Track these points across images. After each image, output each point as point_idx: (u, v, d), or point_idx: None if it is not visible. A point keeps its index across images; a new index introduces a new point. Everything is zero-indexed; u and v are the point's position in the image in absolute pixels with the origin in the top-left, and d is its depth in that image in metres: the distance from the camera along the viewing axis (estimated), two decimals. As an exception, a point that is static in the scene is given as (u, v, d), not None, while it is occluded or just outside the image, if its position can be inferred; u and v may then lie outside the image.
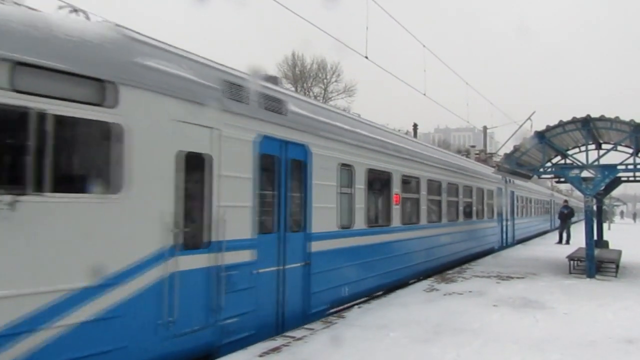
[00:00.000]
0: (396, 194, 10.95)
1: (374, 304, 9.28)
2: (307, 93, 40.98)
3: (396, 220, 11.02)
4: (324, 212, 8.23)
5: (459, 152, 27.52)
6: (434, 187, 13.55)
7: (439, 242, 13.79)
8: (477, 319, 8.08)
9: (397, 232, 11.06)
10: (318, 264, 8.00)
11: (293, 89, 39.03)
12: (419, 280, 12.32)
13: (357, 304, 9.23)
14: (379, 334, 7.10)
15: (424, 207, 12.73)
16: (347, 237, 8.94)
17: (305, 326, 7.50)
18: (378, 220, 10.52)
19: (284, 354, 6.16)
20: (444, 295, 10.32)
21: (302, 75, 43.14)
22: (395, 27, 14.90)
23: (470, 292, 10.68)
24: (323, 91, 43.84)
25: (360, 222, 9.39)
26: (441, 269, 13.97)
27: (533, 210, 30.97)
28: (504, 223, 21.86)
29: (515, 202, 24.47)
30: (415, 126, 31.21)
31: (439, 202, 13.97)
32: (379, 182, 10.44)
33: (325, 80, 44.12)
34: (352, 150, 9.19)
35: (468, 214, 16.67)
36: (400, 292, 10.49)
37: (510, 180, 21.91)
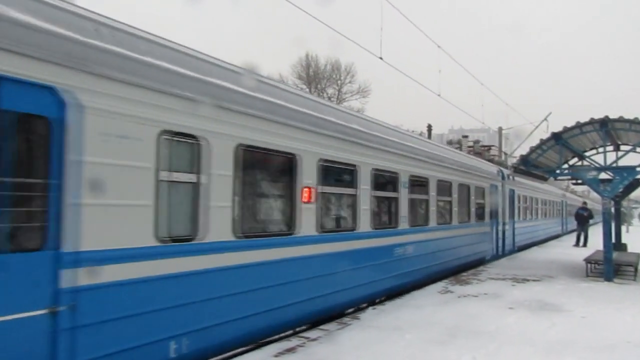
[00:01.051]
0: (307, 187, 7.33)
1: (389, 306, 9.27)
2: (321, 94, 41.03)
3: (306, 228, 7.30)
4: None
5: (450, 143, 24.75)
6: (386, 180, 9.94)
7: (394, 256, 10.01)
8: (492, 322, 8.03)
9: (308, 245, 7.32)
10: None
11: (307, 89, 39.12)
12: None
13: (372, 305, 9.23)
14: (394, 336, 7.09)
15: (364, 208, 8.85)
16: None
17: (320, 327, 7.53)
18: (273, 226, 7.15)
19: (300, 355, 6.20)
20: (459, 297, 10.27)
21: (315, 76, 43.22)
22: (410, 28, 14.87)
23: (485, 294, 10.61)
24: (337, 92, 43.89)
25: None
26: (395, 293, 10.21)
27: (540, 211, 27.51)
28: (500, 227, 18.39)
29: (517, 202, 21.22)
30: (429, 127, 31.10)
31: (393, 201, 10.22)
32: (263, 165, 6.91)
33: (339, 81, 44.17)
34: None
35: (444, 217, 13.03)
36: (415, 294, 10.46)
37: (508, 177, 19.34)
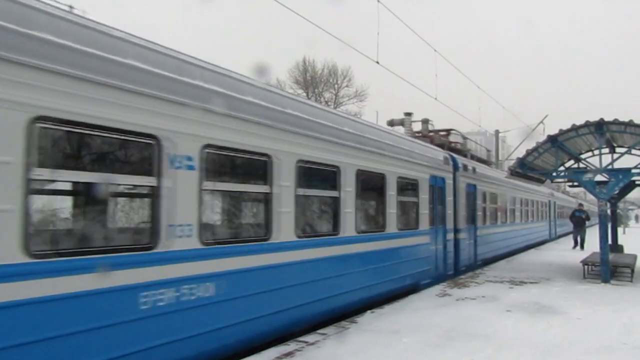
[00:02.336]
0: None
1: (387, 309, 9.27)
2: (318, 98, 41.09)
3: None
4: None
5: (391, 124, 17.40)
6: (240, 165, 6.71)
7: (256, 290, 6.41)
8: (490, 325, 8.05)
9: None
10: None
11: (304, 94, 39.20)
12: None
13: (370, 309, 9.23)
14: (391, 339, 7.10)
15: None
16: None
17: (318, 331, 7.53)
18: None
19: (298, 359, 6.20)
20: (457, 300, 10.28)
21: (313, 80, 43.31)
22: (407, 32, 14.93)
23: (483, 297, 10.63)
24: (334, 96, 43.97)
25: None
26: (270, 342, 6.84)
27: (519, 213, 22.53)
28: (450, 236, 13.67)
29: (480, 201, 16.40)
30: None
31: (260, 200, 6.87)
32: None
33: (336, 86, 44.24)
34: None
35: (320, 226, 8.43)
36: (412, 297, 10.47)
37: (466, 167, 15.01)
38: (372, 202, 10.10)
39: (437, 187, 12.70)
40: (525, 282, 12.77)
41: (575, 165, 14.70)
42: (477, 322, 8.20)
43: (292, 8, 10.03)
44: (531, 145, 14.51)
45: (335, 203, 8.38)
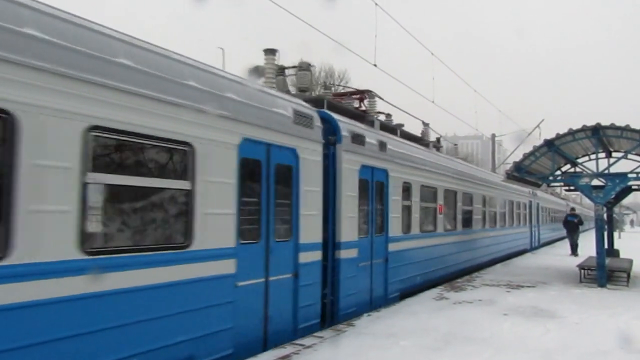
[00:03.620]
0: None
1: (384, 312, 9.25)
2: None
3: None
4: None
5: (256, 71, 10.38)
6: None
7: None
8: (487, 328, 8.03)
9: None
10: None
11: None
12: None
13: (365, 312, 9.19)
14: (388, 343, 7.08)
15: None
16: None
17: (315, 334, 7.50)
18: None
19: (294, 362, 6.17)
20: (454, 303, 10.27)
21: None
22: (404, 35, 14.98)
23: (480, 300, 10.62)
24: (331, 99, 43.92)
25: None
26: None
27: (478, 217, 16.58)
28: (313, 256, 7.79)
29: (397, 197, 10.58)
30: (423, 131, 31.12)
31: None
32: None
33: (333, 88, 44.25)
34: None
35: None
36: (409, 301, 10.45)
37: (361, 139, 9.21)
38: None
39: (272, 166, 6.91)
40: (522, 286, 12.78)
41: (572, 170, 14.74)
42: (474, 326, 8.19)
43: (289, 9, 10.01)
44: (527, 149, 14.57)
45: None
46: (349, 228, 8.69)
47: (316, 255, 7.87)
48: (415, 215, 11.54)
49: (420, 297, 11.02)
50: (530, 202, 25.70)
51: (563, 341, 7.34)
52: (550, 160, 14.18)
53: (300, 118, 7.63)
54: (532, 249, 25.65)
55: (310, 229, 7.72)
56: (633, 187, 16.26)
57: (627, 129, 12.16)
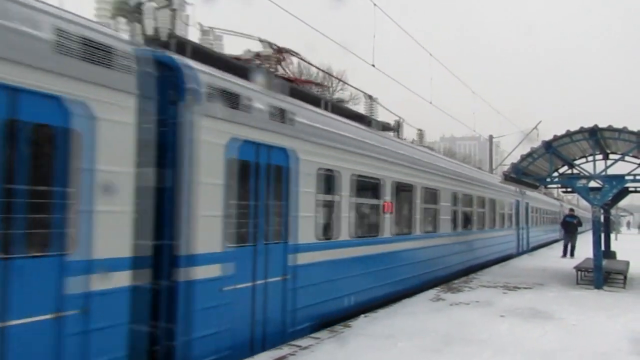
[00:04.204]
0: None
1: (381, 313, 9.21)
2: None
3: None
4: None
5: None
6: None
7: None
8: (485, 330, 8.01)
9: None
10: None
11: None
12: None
13: (364, 313, 9.16)
14: (386, 344, 7.04)
15: None
16: None
17: (312, 335, 7.45)
18: None
19: (291, 363, 6.12)
20: (451, 305, 10.24)
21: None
22: (402, 36, 14.95)
23: (477, 302, 10.60)
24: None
25: None
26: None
27: (447, 217, 13.88)
28: (117, 281, 4.72)
29: (313, 189, 7.85)
30: (420, 133, 31.11)
31: None
32: None
33: (331, 89, 44.24)
34: None
35: None
36: (406, 302, 10.41)
37: (235, 99, 6.25)
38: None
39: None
40: (519, 288, 12.76)
41: (569, 172, 14.74)
42: (472, 327, 8.16)
43: (287, 9, 9.98)
44: (525, 150, 14.58)
45: None
46: (205, 233, 5.76)
47: (118, 280, 4.74)
48: (344, 215, 8.69)
49: (417, 298, 10.98)
50: (518, 201, 23.23)
51: (561, 342, 7.33)
52: (547, 162, 14.18)
53: (82, 47, 4.47)
54: (520, 253, 23.34)
55: (106, 235, 4.62)
56: (630, 189, 16.29)
57: (624, 130, 12.16)
